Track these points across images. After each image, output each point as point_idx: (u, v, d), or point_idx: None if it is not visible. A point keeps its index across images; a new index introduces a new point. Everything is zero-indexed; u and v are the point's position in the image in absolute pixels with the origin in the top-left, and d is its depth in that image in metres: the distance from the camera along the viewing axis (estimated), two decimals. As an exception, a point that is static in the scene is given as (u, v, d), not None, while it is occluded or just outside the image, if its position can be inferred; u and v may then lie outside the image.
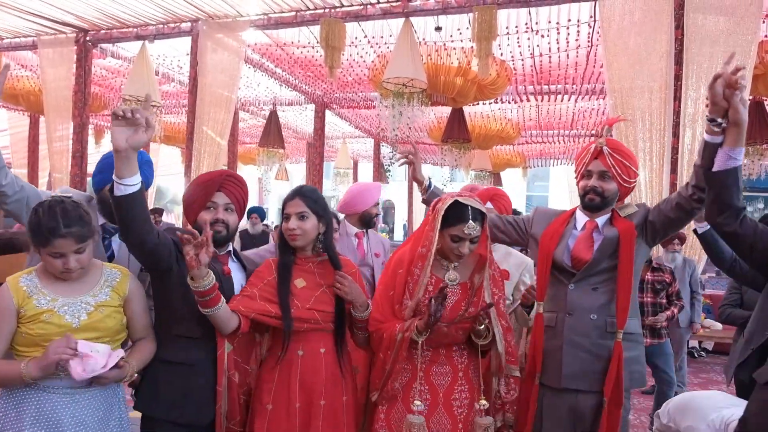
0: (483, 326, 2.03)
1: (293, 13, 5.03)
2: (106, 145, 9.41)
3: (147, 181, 2.09)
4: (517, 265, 2.83)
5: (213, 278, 1.90)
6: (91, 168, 6.75)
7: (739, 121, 1.74)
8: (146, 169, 2.20)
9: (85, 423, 1.81)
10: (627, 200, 2.43)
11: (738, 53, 3.91)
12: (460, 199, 2.03)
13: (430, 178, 2.55)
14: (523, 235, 2.42)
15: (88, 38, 5.87)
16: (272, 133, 7.79)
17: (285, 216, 2.12)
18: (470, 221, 1.99)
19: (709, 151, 1.86)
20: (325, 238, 2.14)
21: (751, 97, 5.18)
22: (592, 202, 2.24)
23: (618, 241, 2.18)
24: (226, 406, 2.03)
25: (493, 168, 9.87)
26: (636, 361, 2.24)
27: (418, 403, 2.01)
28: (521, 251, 3.08)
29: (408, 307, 2.09)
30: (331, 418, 2.06)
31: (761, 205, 16.87)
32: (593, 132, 8.75)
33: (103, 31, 5.81)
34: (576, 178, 2.34)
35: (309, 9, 4.94)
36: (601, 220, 2.27)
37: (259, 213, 7.67)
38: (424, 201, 2.50)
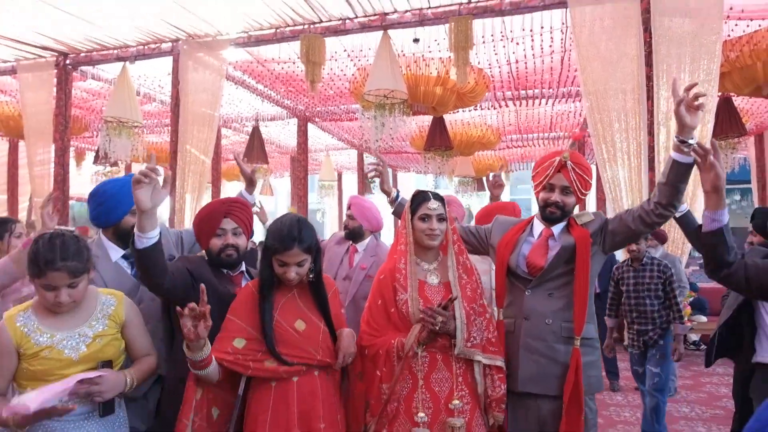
0: (440, 325, 2.02)
1: (273, 30, 5.11)
2: (88, 168, 9.37)
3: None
4: None
5: (209, 349, 1.88)
6: (74, 190, 6.73)
7: (719, 187, 1.85)
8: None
9: None
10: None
11: (704, 53, 4.09)
12: (420, 189, 2.31)
13: (398, 191, 2.63)
14: (484, 245, 2.48)
15: (68, 61, 5.89)
16: (255, 149, 7.83)
17: (282, 263, 2.02)
18: (431, 199, 2.21)
19: (676, 170, 1.99)
20: (316, 268, 2.10)
21: (720, 94, 5.34)
22: (553, 215, 2.29)
23: (573, 249, 2.22)
24: None
25: (476, 173, 9.98)
26: (593, 366, 2.25)
27: (421, 415, 2.01)
28: None
29: (410, 299, 2.11)
30: None
31: (737, 197, 17.23)
32: (571, 134, 8.92)
33: (83, 54, 5.84)
34: (535, 187, 2.36)
35: (289, 26, 5.02)
36: (557, 228, 2.33)
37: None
38: (393, 213, 2.59)
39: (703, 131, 4.08)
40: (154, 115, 8.04)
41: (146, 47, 5.58)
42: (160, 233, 2.00)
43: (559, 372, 2.18)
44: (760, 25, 4.88)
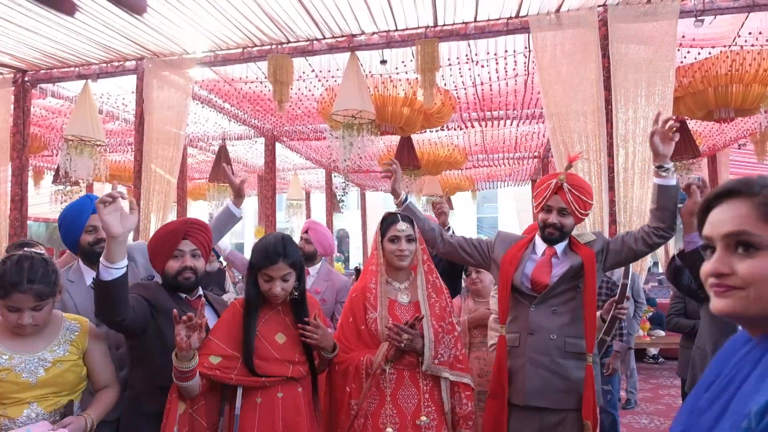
0: (405, 342, 2.08)
1: (240, 50, 5.10)
2: (47, 187, 9.09)
3: None
4: None
5: (196, 361, 1.88)
6: (32, 210, 6.51)
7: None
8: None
9: None
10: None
11: (659, 78, 4.26)
12: (390, 211, 2.39)
13: (407, 194, 2.62)
14: (486, 259, 2.50)
15: (26, 78, 5.74)
16: (222, 168, 7.74)
17: (267, 278, 2.05)
18: (400, 221, 2.28)
19: (662, 193, 2.24)
20: (300, 285, 2.13)
21: (674, 118, 5.56)
22: (552, 236, 2.35)
23: (580, 267, 2.29)
24: None
25: (444, 192, 10.10)
26: (597, 380, 2.35)
27: (389, 430, 2.05)
28: None
29: (379, 318, 2.16)
30: None
31: (695, 217, 17.84)
32: (536, 154, 9.13)
33: (42, 71, 5.70)
34: (535, 207, 2.44)
35: (256, 45, 5.02)
36: (559, 247, 2.40)
37: (214, 251, 7.54)
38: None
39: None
40: (118, 134, 7.88)
41: (109, 65, 5.49)
42: (133, 258, 1.98)
43: (563, 387, 2.24)
44: (710, 53, 5.12)
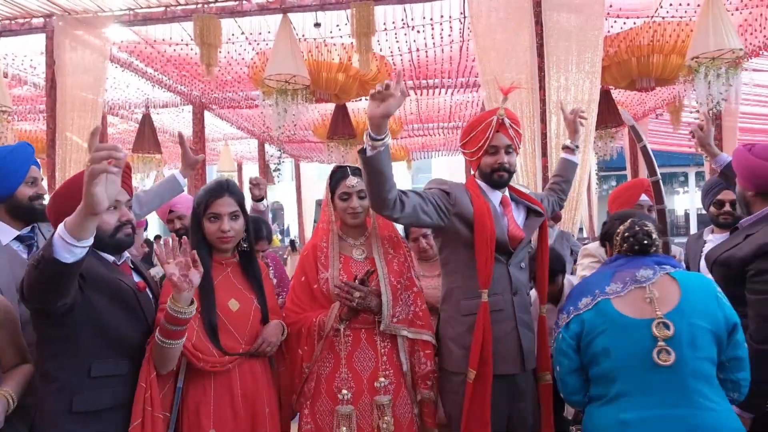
0: (357, 300, 1.98)
1: (162, 9, 4.77)
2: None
3: None
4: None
5: (195, 306, 1.68)
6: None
7: (705, 144, 2.62)
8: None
9: None
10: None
11: (588, 46, 4.37)
12: (339, 164, 2.22)
13: (386, 134, 1.89)
14: (446, 214, 2.10)
15: None
16: (147, 138, 7.31)
17: (212, 215, 1.95)
18: (350, 176, 2.13)
19: (570, 167, 2.55)
20: (248, 237, 2.06)
21: (600, 86, 5.76)
22: (502, 178, 2.14)
23: (537, 215, 2.22)
24: None
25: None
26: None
27: (345, 392, 1.98)
28: None
29: (330, 278, 2.08)
30: (276, 424, 1.99)
31: (614, 183, 18.84)
32: (502, 88, 9.20)
33: (-65, 28, 5.12)
34: (473, 154, 2.16)
35: (180, 4, 4.72)
36: (505, 195, 2.21)
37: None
38: (363, 156, 1.90)
39: (587, 121, 4.37)
40: (27, 100, 7.25)
41: (13, 22, 5.00)
42: None
43: (534, 342, 2.16)
44: (635, 23, 5.30)
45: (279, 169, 9.70)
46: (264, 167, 10.40)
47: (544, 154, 4.42)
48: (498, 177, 2.14)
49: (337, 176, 2.17)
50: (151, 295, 1.90)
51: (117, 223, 1.75)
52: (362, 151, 1.85)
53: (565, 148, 2.59)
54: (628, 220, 1.92)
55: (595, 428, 1.76)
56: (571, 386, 1.86)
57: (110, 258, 1.80)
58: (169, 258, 1.65)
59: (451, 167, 13.28)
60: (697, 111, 7.51)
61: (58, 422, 1.62)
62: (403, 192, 1.98)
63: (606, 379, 1.75)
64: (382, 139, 1.83)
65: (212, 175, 10.69)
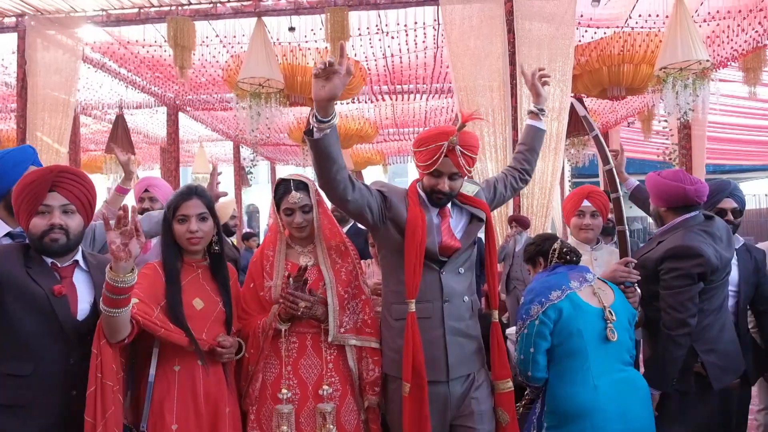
0: (303, 309, 2.00)
1: (136, 10, 4.74)
2: None
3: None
4: None
5: (135, 276, 1.70)
6: None
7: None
8: None
9: None
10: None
11: (559, 55, 4.45)
12: (284, 176, 2.22)
13: (331, 118, 1.85)
14: (382, 218, 2.10)
15: None
16: (120, 139, 7.23)
17: (181, 217, 2.00)
18: (293, 191, 2.13)
19: (537, 135, 2.43)
20: (219, 240, 2.10)
21: (572, 95, 5.88)
22: (440, 201, 2.12)
23: (479, 222, 2.19)
24: None
25: (354, 167, 10.08)
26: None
27: (285, 391, 2.01)
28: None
29: (273, 287, 2.11)
30: (236, 424, 2.02)
31: (589, 190, 19.10)
32: (461, 115, 9.32)
33: None
34: (419, 167, 2.12)
35: (154, 6, 4.70)
36: (449, 203, 2.20)
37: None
38: (310, 139, 1.86)
39: (558, 128, 4.46)
40: (-2, 99, 7.12)
41: (-17, 21, 4.92)
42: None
43: (474, 348, 2.13)
44: (605, 33, 5.43)
45: (251, 172, 9.65)
46: (239, 169, 10.35)
47: (515, 160, 4.49)
48: (436, 199, 2.11)
49: (280, 191, 2.17)
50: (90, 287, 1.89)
51: (45, 227, 1.79)
52: (309, 133, 1.82)
53: (530, 113, 2.44)
54: (558, 240, 2.41)
55: (571, 397, 2.13)
56: (542, 365, 2.19)
57: (49, 260, 1.83)
58: (117, 227, 1.69)
59: (427, 172, 13.30)
60: (666, 120, 7.72)
61: None
62: (353, 180, 1.99)
63: (578, 354, 2.15)
64: (329, 120, 1.79)
65: (187, 176, 10.59)
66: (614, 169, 2.54)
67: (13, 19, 4.88)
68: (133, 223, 1.68)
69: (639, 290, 2.45)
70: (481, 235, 2.34)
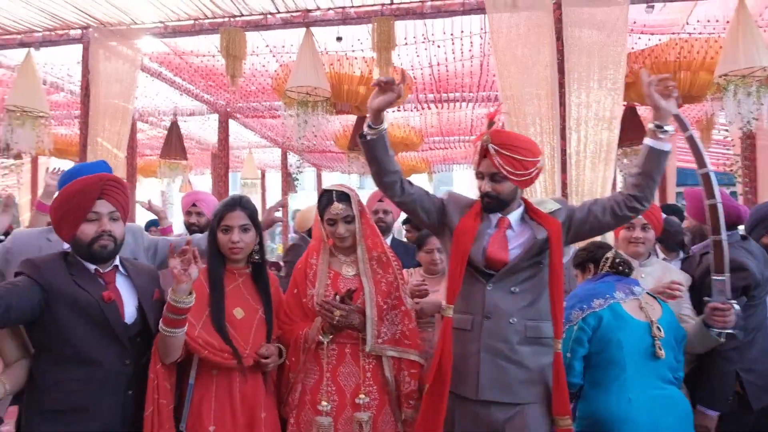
0: (338, 318, 2.03)
1: (191, 22, 4.92)
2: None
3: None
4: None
5: (193, 297, 1.81)
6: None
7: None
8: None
9: None
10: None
11: (610, 63, 4.35)
12: (327, 186, 2.26)
13: (379, 127, 1.98)
14: (438, 222, 2.11)
15: (-39, 45, 5.39)
16: (174, 145, 7.51)
17: (225, 228, 2.09)
18: (335, 202, 2.18)
19: (652, 158, 1.96)
20: (261, 250, 2.16)
21: (625, 103, 5.71)
22: (489, 205, 2.06)
23: (544, 241, 2.00)
24: None
25: (400, 174, 10.10)
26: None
27: (324, 403, 2.03)
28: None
29: (316, 295, 2.14)
30: (273, 429, 2.06)
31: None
32: (487, 114, 9.18)
33: (-21, 38, 5.36)
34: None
35: (208, 18, 4.86)
36: (512, 216, 2.09)
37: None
38: (362, 140, 2.00)
39: (609, 137, 4.35)
40: (63, 106, 7.52)
41: (53, 33, 5.21)
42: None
43: (523, 377, 1.95)
44: (660, 40, 5.26)
45: (297, 179, 9.81)
46: (286, 176, 10.55)
47: (564, 170, 4.40)
48: (486, 204, 2.06)
49: (323, 201, 2.23)
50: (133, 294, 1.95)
51: (94, 234, 1.85)
52: (362, 136, 1.98)
53: (648, 130, 2.02)
54: (612, 250, 2.40)
55: (605, 406, 2.12)
56: (577, 370, 2.19)
57: (92, 267, 1.89)
58: (180, 255, 1.80)
59: (472, 180, 13.22)
60: (727, 130, 7.36)
61: (33, 420, 1.77)
62: (410, 183, 2.10)
63: (615, 365, 2.14)
64: (377, 128, 1.95)
65: (236, 181, 10.86)
66: (711, 174, 2.23)
67: (79, 31, 5.15)
68: (192, 253, 1.79)
69: (737, 307, 2.25)
70: None
